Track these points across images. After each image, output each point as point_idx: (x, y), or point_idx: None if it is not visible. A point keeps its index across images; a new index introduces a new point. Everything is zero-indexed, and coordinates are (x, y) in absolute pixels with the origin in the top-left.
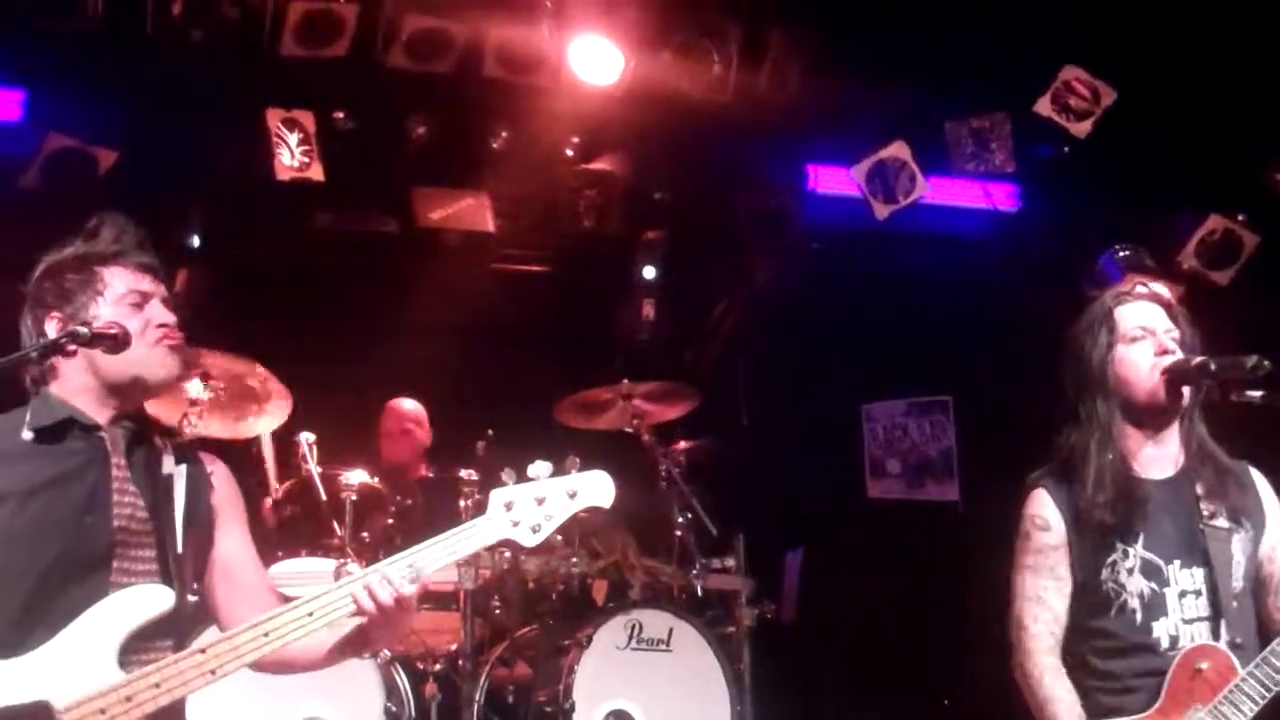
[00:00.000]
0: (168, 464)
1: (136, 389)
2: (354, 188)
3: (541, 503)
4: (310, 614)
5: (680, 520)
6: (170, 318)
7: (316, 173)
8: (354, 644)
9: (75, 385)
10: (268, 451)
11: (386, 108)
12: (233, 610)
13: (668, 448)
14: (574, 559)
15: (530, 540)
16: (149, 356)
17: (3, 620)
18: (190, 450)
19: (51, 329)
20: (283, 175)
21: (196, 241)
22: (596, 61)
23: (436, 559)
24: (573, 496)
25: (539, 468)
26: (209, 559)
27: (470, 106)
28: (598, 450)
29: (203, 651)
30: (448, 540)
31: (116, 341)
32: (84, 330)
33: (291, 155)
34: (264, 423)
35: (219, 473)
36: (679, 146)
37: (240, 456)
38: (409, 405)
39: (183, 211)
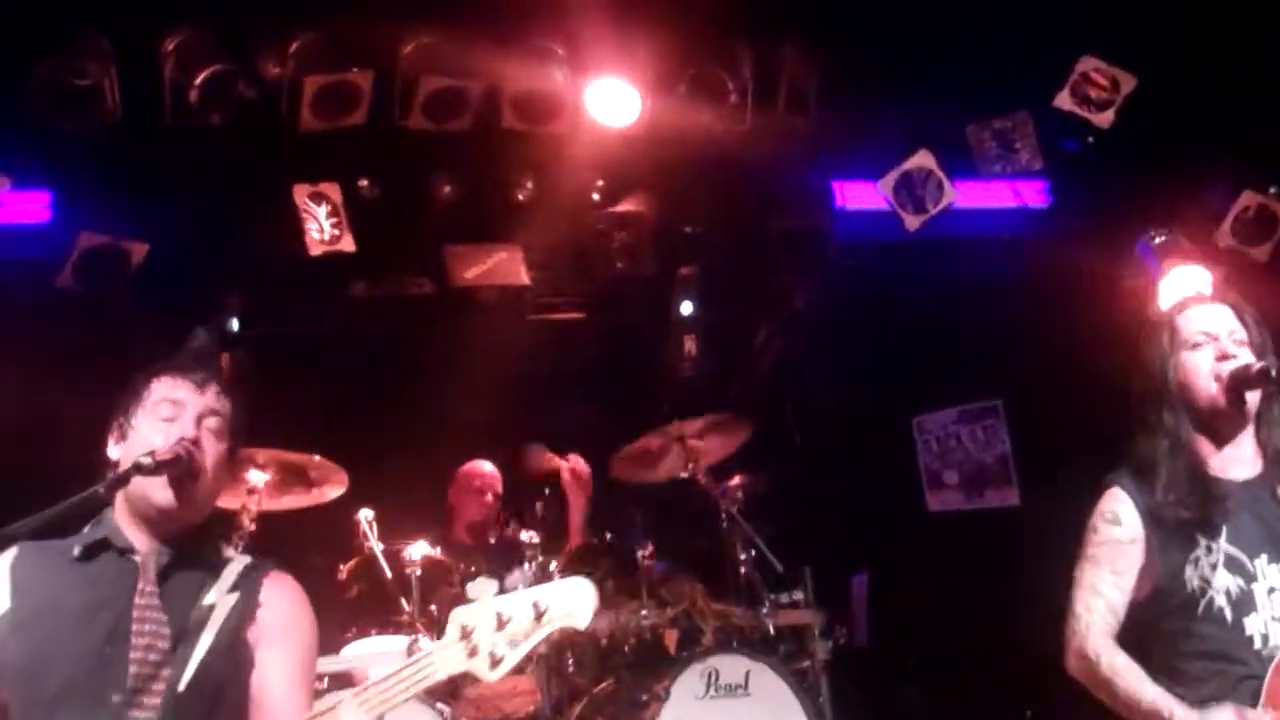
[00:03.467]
0: (214, 592)
1: (151, 514)
2: (386, 254)
3: (503, 625)
4: None
5: (744, 558)
6: (190, 433)
7: (348, 243)
8: None
9: (120, 506)
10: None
11: (410, 170)
12: None
13: (724, 486)
14: (644, 611)
15: (491, 674)
16: (150, 483)
17: None
18: (253, 575)
19: (111, 443)
20: (314, 250)
21: (235, 325)
22: (613, 104)
23: (391, 701)
24: (540, 617)
25: (484, 586)
26: (232, 693)
27: (493, 161)
28: (655, 499)
29: None
30: (400, 680)
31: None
32: (148, 461)
33: (321, 229)
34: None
35: (278, 597)
36: (704, 179)
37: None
38: (487, 467)
39: (219, 296)
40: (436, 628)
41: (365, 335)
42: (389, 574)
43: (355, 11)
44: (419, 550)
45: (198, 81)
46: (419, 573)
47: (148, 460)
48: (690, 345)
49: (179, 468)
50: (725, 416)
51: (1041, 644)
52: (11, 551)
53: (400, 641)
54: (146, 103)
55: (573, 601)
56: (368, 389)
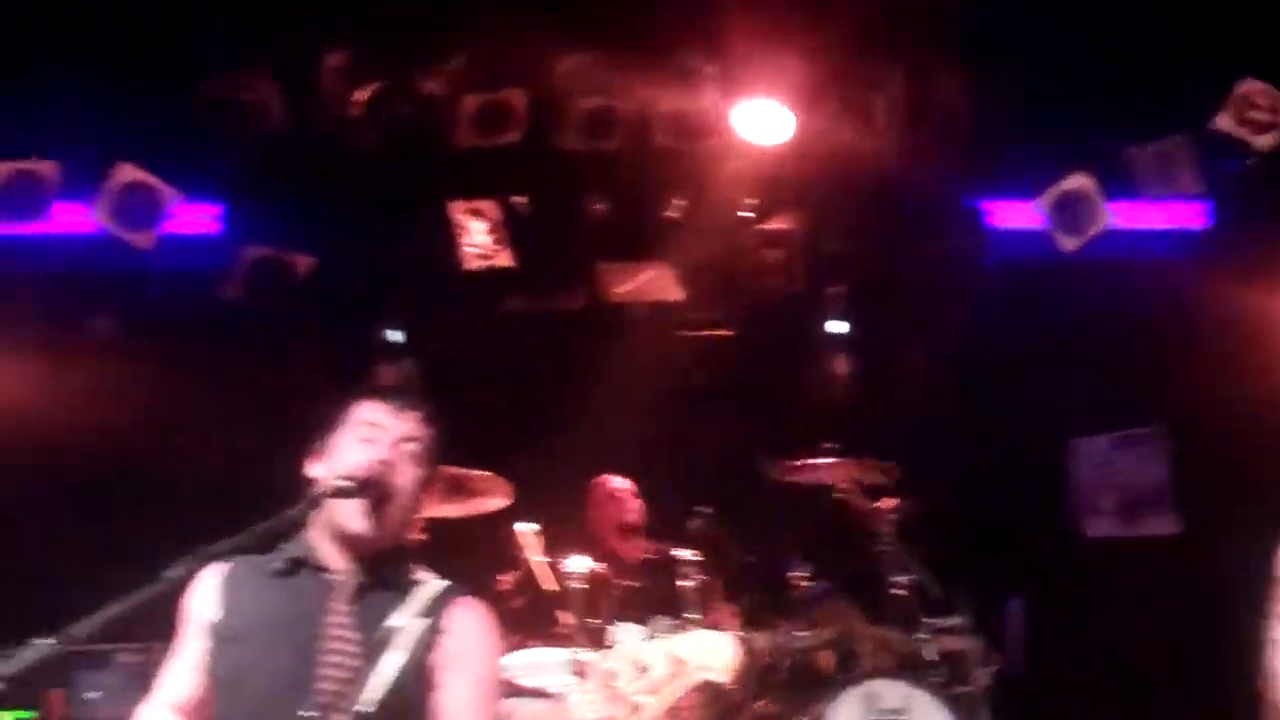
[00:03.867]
0: (399, 616)
1: (345, 536)
2: (541, 269)
3: (643, 673)
4: None
5: (899, 581)
6: (385, 456)
7: (504, 259)
8: None
9: (317, 524)
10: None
11: (564, 187)
12: None
13: (878, 508)
14: (801, 632)
15: None
16: (345, 507)
17: None
18: (439, 601)
19: (310, 461)
20: (471, 264)
21: (398, 337)
22: (764, 123)
23: None
24: (678, 668)
25: (627, 630)
26: (414, 717)
27: (645, 179)
28: (808, 518)
29: None
30: None
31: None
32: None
33: (477, 244)
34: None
35: (460, 625)
36: (854, 197)
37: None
38: (617, 481)
39: (379, 309)
40: (597, 641)
41: (519, 350)
42: (549, 587)
43: (511, 32)
44: (580, 564)
45: (358, 99)
46: (579, 587)
47: (343, 483)
48: (840, 365)
49: (372, 491)
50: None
51: (1197, 670)
52: (224, 566)
53: (560, 654)
54: (311, 119)
55: (712, 655)
56: (520, 403)
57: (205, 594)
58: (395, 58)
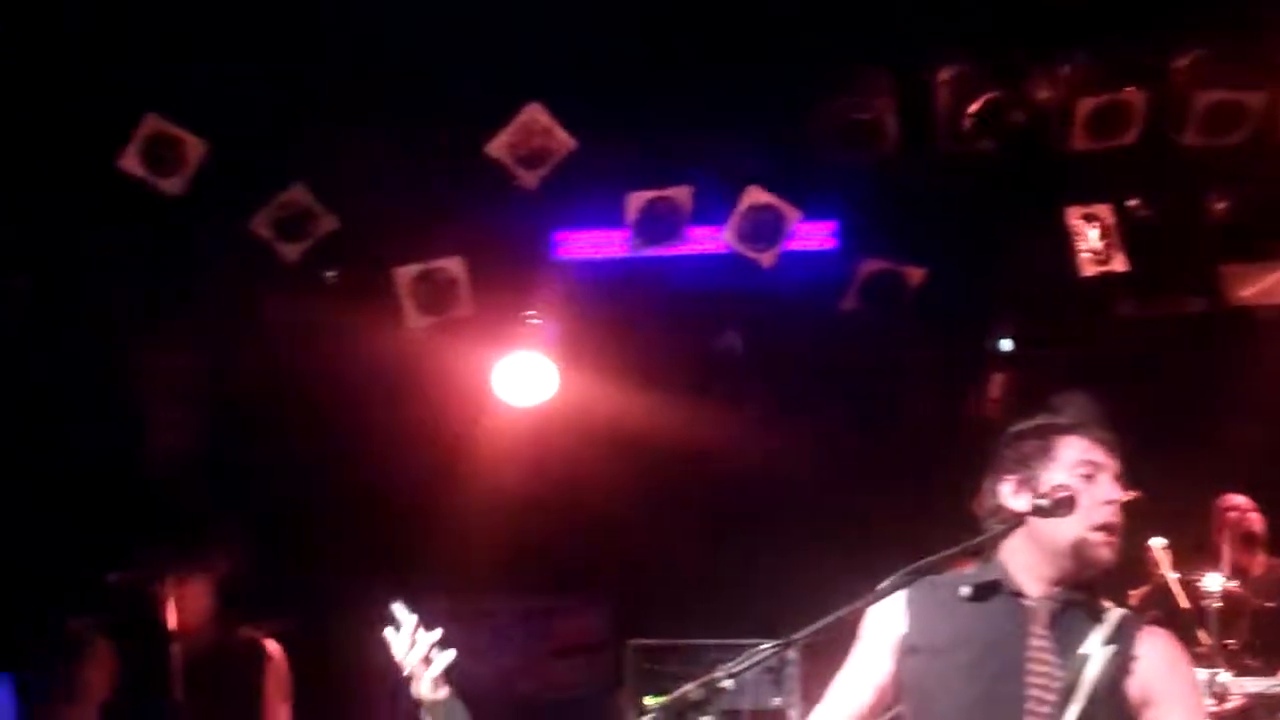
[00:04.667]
0: (1090, 643)
1: (1069, 562)
2: (1156, 273)
3: None
4: None
5: None
6: (1117, 496)
7: (1119, 263)
8: None
9: (1015, 549)
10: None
11: (1182, 188)
12: None
13: None
14: None
15: None
16: (1087, 537)
17: None
18: (1128, 629)
19: (1006, 491)
20: (1087, 270)
21: (1007, 345)
22: None
23: None
24: None
25: None
26: None
27: (1271, 175)
28: None
29: None
30: None
31: (1069, 506)
32: (1045, 503)
33: (1093, 249)
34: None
35: (1152, 654)
36: None
37: None
38: (1238, 499)
39: (991, 318)
40: (1236, 663)
41: (1131, 357)
42: (1184, 605)
43: (1125, 31)
44: (1215, 582)
45: (971, 110)
46: (1216, 605)
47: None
48: None
49: (1115, 531)
50: None
51: None
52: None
53: (1198, 674)
54: (921, 132)
55: None
56: (1135, 414)
57: (891, 611)
58: (1008, 66)
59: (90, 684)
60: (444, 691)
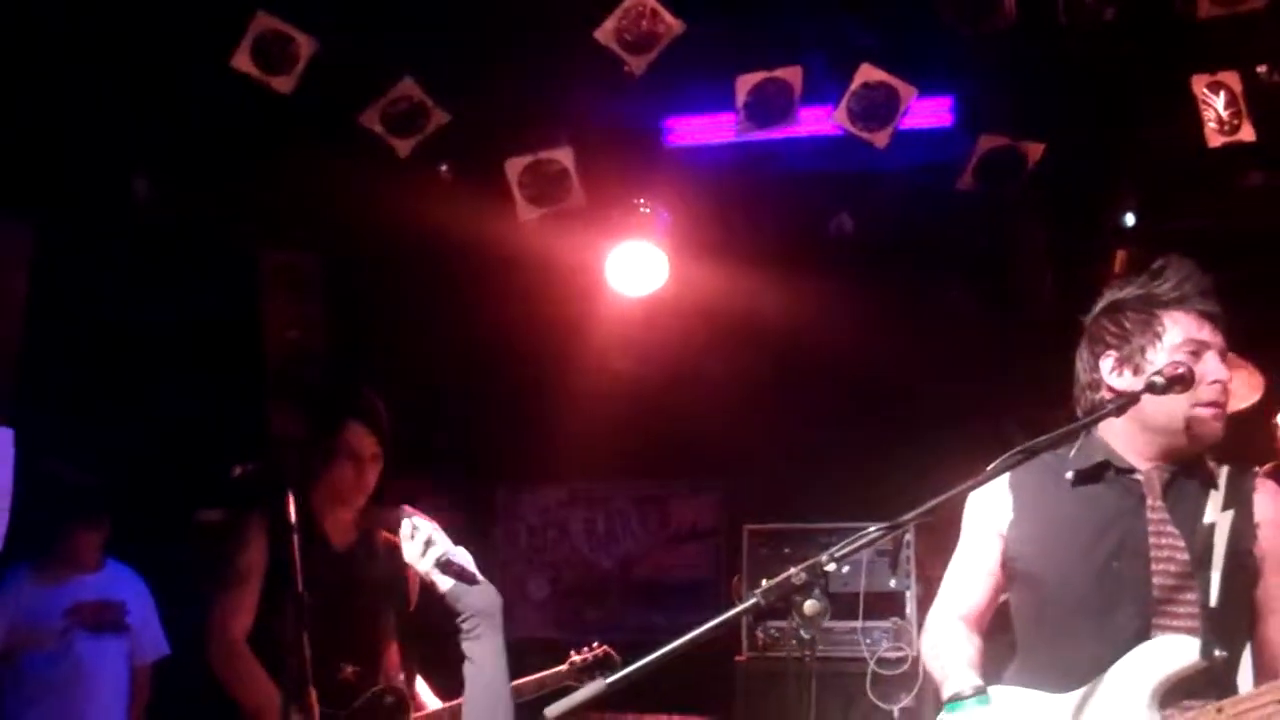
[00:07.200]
0: (1211, 510)
1: (1177, 439)
2: None
3: None
4: None
5: None
6: (1224, 374)
7: (1246, 133)
8: None
9: (1116, 427)
10: None
11: None
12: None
13: None
14: None
15: None
16: (1193, 415)
17: (1040, 655)
18: (1243, 489)
19: (1106, 367)
20: (1213, 141)
21: (1130, 220)
22: None
23: None
24: None
25: None
26: (1250, 613)
27: None
28: None
29: (1219, 710)
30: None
31: (1184, 383)
32: (1159, 380)
33: (1219, 119)
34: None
35: (1271, 512)
36: None
37: None
38: None
39: (1112, 193)
40: None
41: (1258, 229)
42: None
43: None
44: None
45: None
46: None
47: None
48: None
49: (1223, 406)
50: None
51: None
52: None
53: None
54: (1040, 2)
55: None
56: (1265, 283)
57: (994, 497)
58: None
59: (253, 567)
60: (449, 584)
